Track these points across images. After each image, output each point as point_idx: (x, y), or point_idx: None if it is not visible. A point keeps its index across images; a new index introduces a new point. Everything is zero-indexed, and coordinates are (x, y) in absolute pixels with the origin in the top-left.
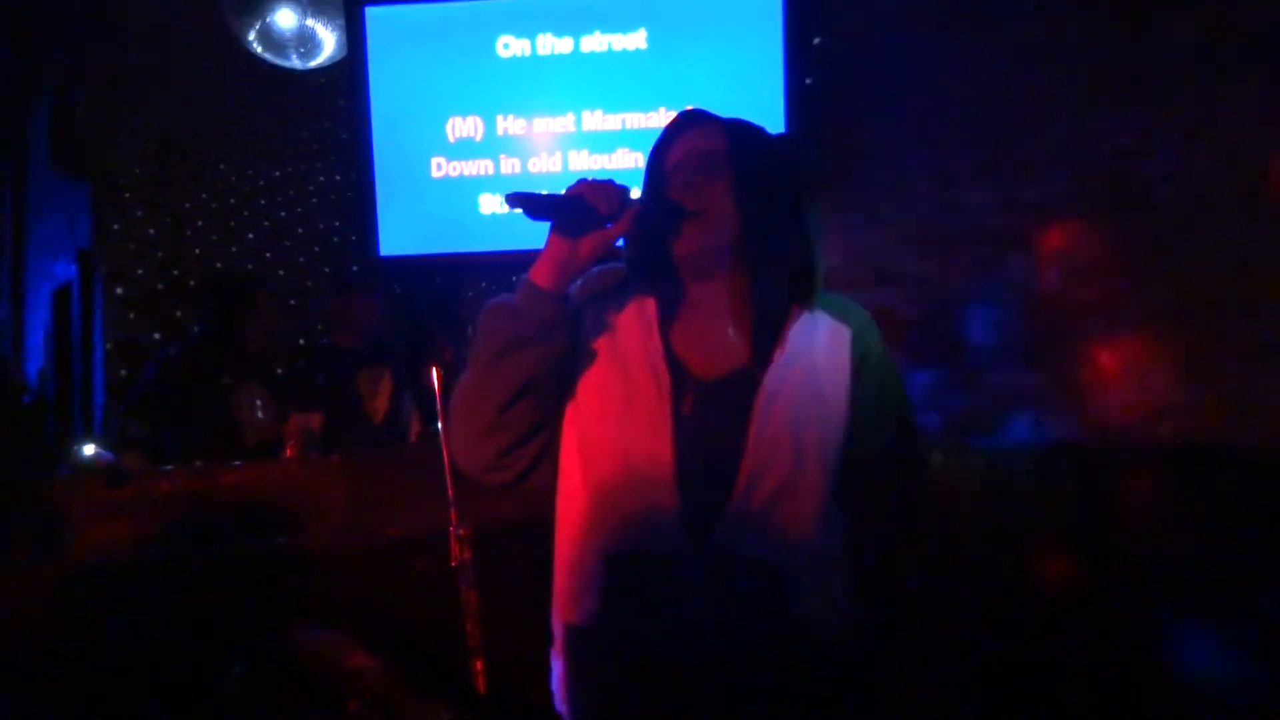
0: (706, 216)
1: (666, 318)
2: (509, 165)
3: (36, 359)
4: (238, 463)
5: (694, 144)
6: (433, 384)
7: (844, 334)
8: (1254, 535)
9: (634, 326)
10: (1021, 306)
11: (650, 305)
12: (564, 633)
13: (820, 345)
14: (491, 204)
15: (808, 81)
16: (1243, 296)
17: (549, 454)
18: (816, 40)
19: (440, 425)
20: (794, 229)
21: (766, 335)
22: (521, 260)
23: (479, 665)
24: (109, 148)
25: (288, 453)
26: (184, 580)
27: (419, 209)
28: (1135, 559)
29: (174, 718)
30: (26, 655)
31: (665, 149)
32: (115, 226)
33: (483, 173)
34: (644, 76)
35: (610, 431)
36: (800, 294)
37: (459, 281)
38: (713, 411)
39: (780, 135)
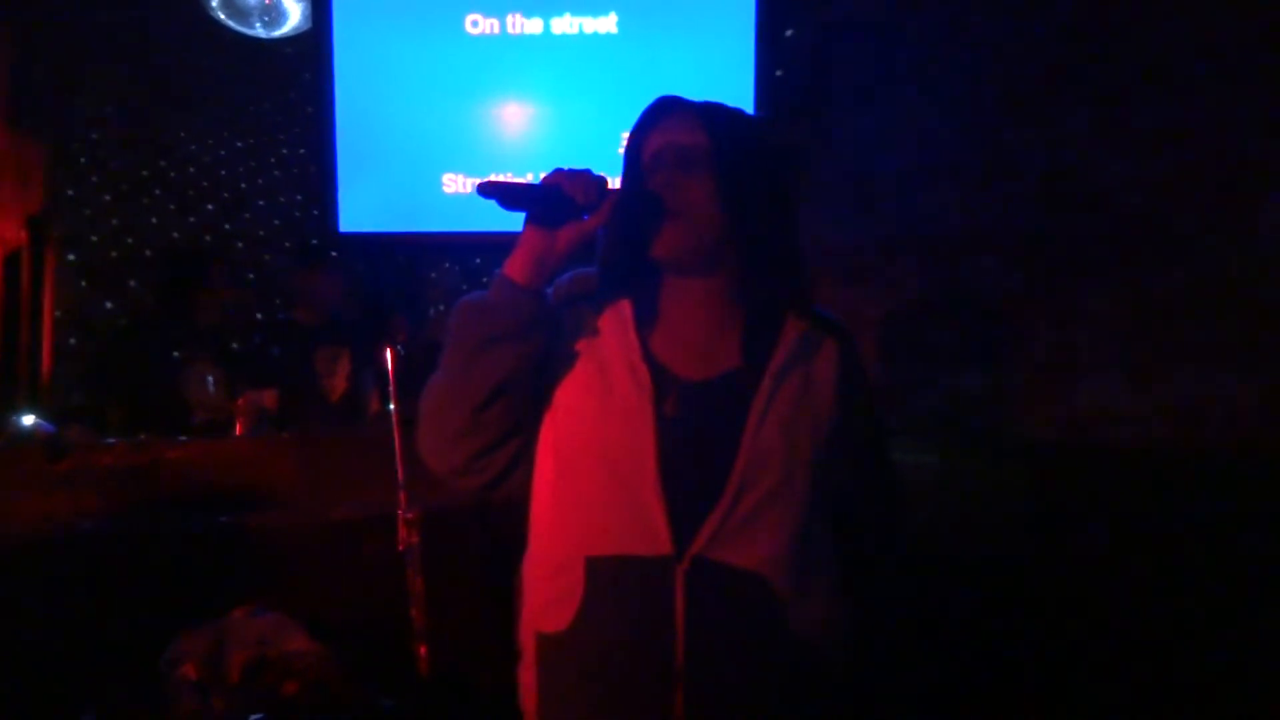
0: (687, 215)
1: (644, 318)
2: (479, 145)
3: None
4: (183, 438)
5: (672, 136)
6: (386, 364)
7: (832, 348)
8: (1208, 539)
9: (611, 328)
10: (982, 308)
11: (626, 306)
12: (536, 643)
13: (812, 358)
14: (454, 184)
15: (778, 74)
16: (1198, 302)
17: (524, 459)
18: (789, 32)
19: (393, 406)
20: (781, 225)
21: (761, 338)
22: (484, 241)
23: (423, 651)
24: (66, 110)
25: (238, 430)
26: (123, 557)
27: (381, 186)
28: (1089, 560)
29: (112, 697)
30: None
31: (642, 139)
32: (69, 192)
33: (447, 153)
34: (614, 61)
35: (589, 434)
36: (793, 297)
37: (421, 261)
38: (701, 413)
39: (763, 120)
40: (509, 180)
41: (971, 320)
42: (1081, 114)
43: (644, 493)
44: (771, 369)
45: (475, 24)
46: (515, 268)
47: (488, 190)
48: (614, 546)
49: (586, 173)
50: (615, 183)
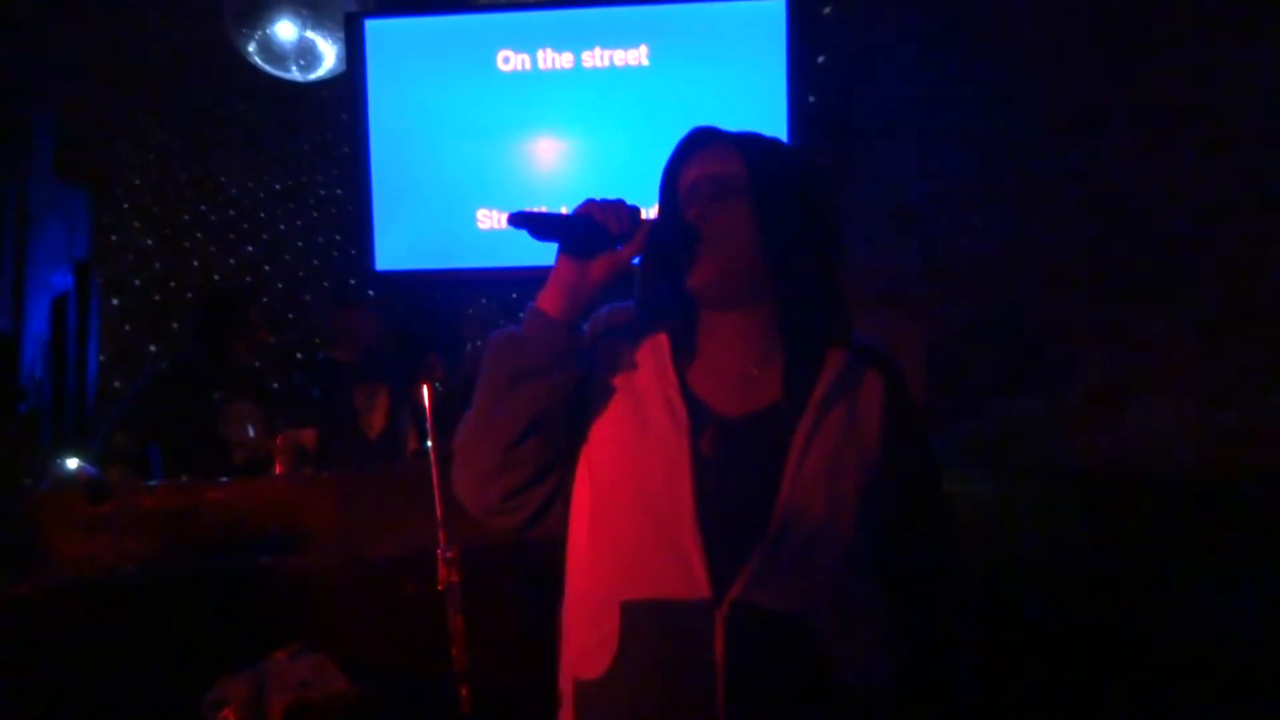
0: (723, 245)
1: (682, 352)
2: (513, 181)
3: (34, 369)
4: (224, 479)
5: (707, 166)
6: (423, 401)
7: (876, 377)
8: (1273, 569)
9: (648, 362)
10: (1028, 331)
11: (663, 340)
12: (574, 690)
13: (856, 390)
14: (489, 220)
15: (811, 100)
16: (1255, 320)
17: (560, 498)
18: (821, 59)
19: (430, 444)
20: (819, 254)
21: (803, 370)
22: (520, 276)
23: (464, 691)
24: (109, 157)
25: (277, 469)
26: (165, 598)
27: (416, 224)
28: (1146, 592)
29: None
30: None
31: (677, 171)
32: (113, 237)
33: (481, 188)
34: (646, 93)
35: (624, 471)
36: (833, 328)
37: (457, 297)
38: (739, 451)
39: (799, 148)
40: (540, 211)
41: (1017, 344)
42: (1126, 130)
43: (680, 534)
44: (813, 402)
45: (507, 60)
46: (548, 300)
47: (519, 221)
48: (650, 590)
49: (619, 202)
50: (651, 213)
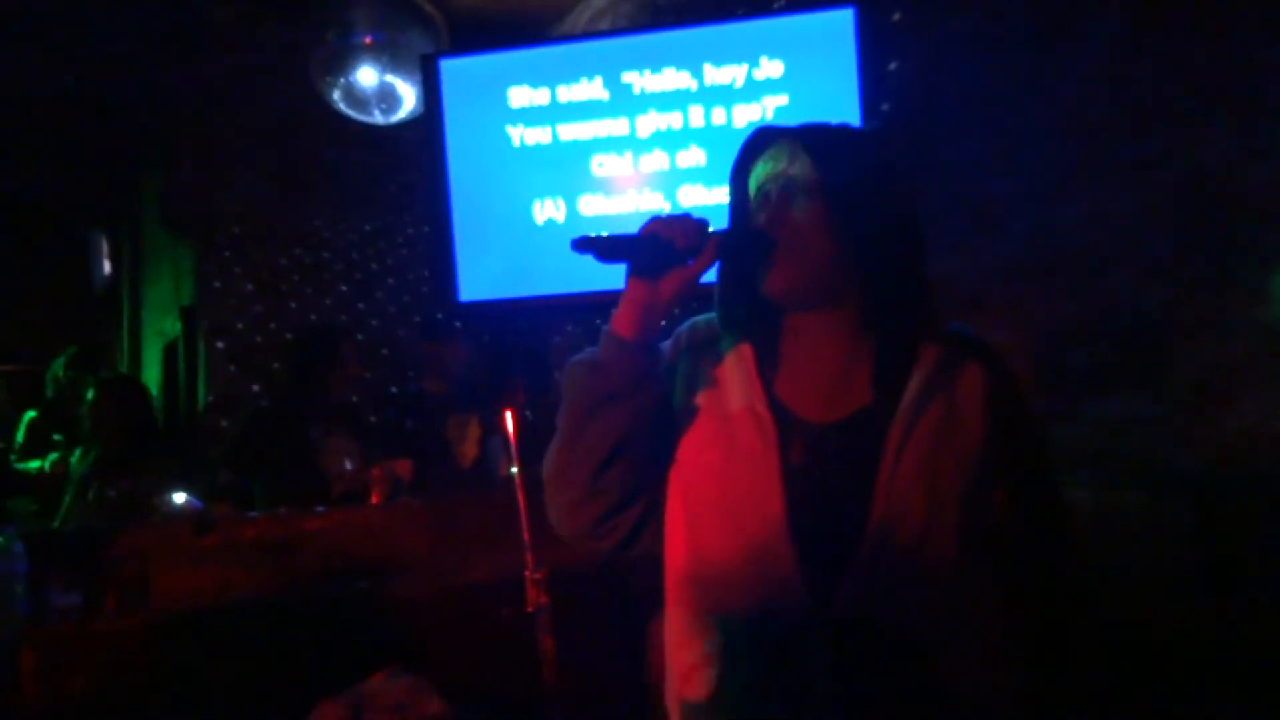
0: (797, 248)
1: (766, 361)
2: (589, 206)
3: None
4: (321, 509)
5: (774, 167)
6: (507, 427)
7: (976, 370)
8: None
9: (732, 375)
10: (1121, 328)
11: (747, 350)
12: (680, 712)
13: (953, 385)
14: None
15: (884, 108)
16: None
17: (653, 519)
18: (892, 65)
19: (515, 469)
20: (900, 245)
21: (890, 371)
22: (602, 301)
23: (557, 714)
24: (211, 208)
25: (373, 500)
26: (266, 626)
27: (497, 254)
28: (1263, 602)
29: None
30: (114, 703)
31: (743, 174)
32: (216, 284)
33: (561, 218)
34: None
35: (714, 489)
36: (921, 323)
37: (544, 326)
38: (830, 460)
39: (872, 132)
40: (604, 235)
41: (1111, 342)
42: (1216, 117)
43: (775, 548)
44: (905, 402)
45: (572, 90)
46: (621, 323)
47: (583, 246)
48: (748, 607)
49: (685, 217)
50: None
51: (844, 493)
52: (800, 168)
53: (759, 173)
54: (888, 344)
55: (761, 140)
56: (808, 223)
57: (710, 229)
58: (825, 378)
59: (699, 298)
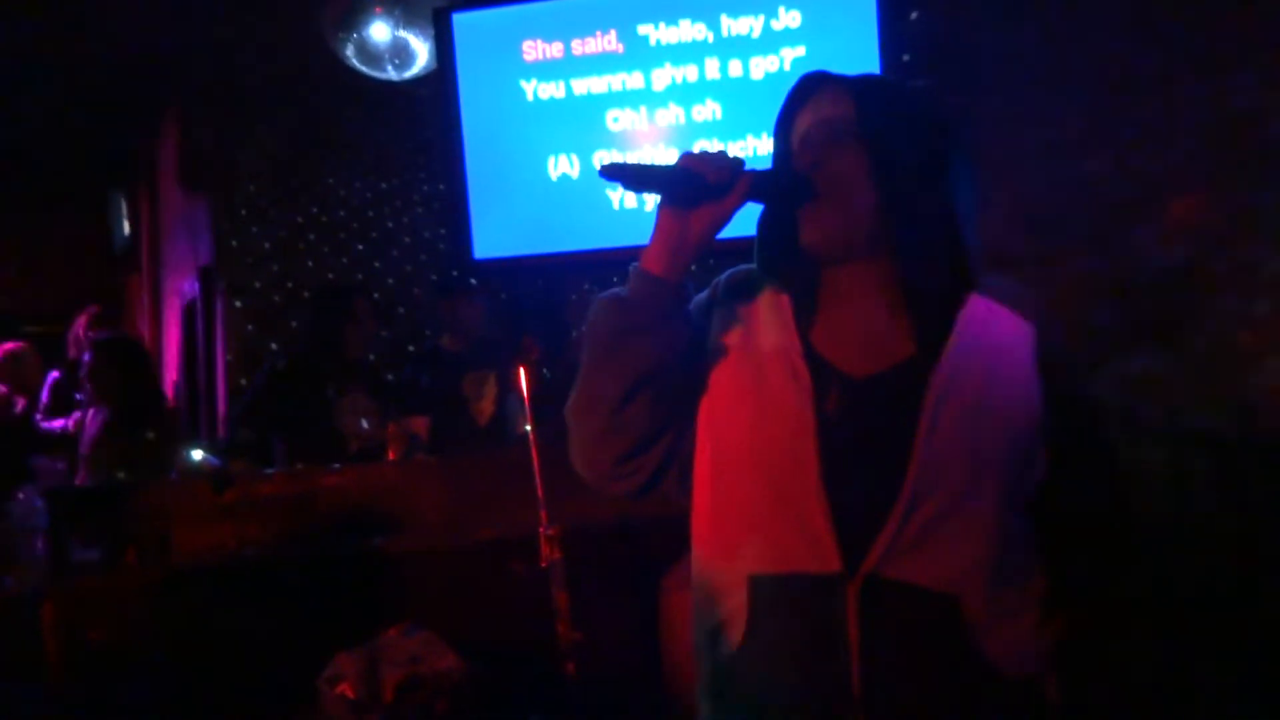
0: (837, 195)
1: (804, 311)
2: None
3: (171, 371)
4: (337, 466)
5: (820, 112)
6: (520, 384)
7: (1024, 328)
8: None
9: (769, 323)
10: (1147, 284)
11: (784, 300)
12: (707, 662)
13: (998, 338)
14: (588, 202)
15: (905, 58)
16: None
17: (675, 463)
18: (913, 15)
19: (530, 427)
20: (942, 198)
21: (932, 324)
22: (617, 258)
23: (570, 667)
24: (226, 168)
25: (390, 456)
26: (284, 580)
27: (513, 211)
28: None
29: (274, 714)
30: (133, 656)
31: (789, 120)
32: (233, 243)
33: (576, 174)
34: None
35: (745, 437)
36: (962, 276)
37: (561, 283)
38: (867, 413)
39: (921, 87)
40: (634, 163)
41: (1137, 297)
42: (1244, 67)
43: (806, 503)
44: (946, 355)
45: (585, 44)
46: (650, 257)
47: (612, 172)
48: (777, 563)
49: (720, 153)
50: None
51: (880, 448)
52: (845, 113)
53: (805, 117)
54: (928, 296)
55: (809, 85)
56: (848, 171)
57: (744, 167)
58: (864, 330)
59: (733, 253)
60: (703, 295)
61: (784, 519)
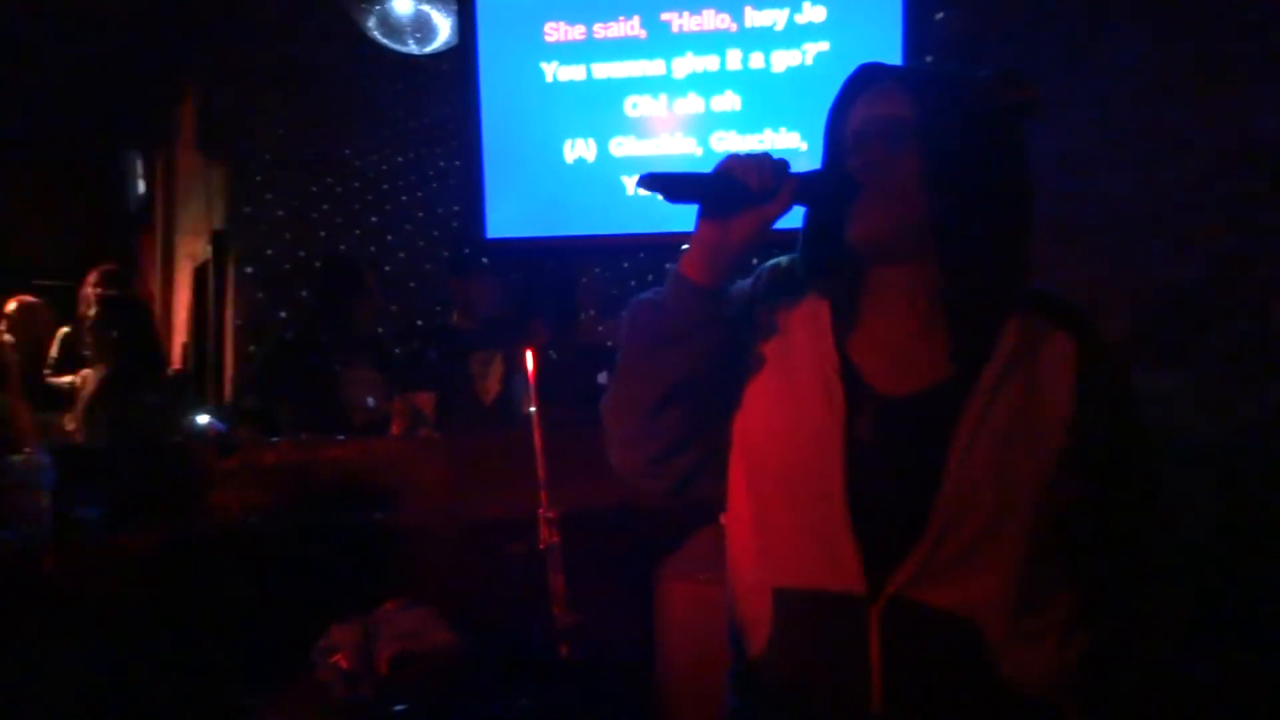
0: (886, 194)
1: (843, 320)
2: (620, 147)
3: (181, 333)
4: (341, 438)
5: (876, 109)
6: (527, 366)
7: (1067, 346)
8: None
9: (807, 333)
10: (1160, 298)
11: (823, 309)
12: (733, 662)
13: (1038, 358)
14: (602, 187)
15: (928, 59)
16: None
17: (709, 466)
18: (939, 15)
19: (534, 409)
20: (998, 210)
21: (971, 344)
22: (629, 243)
23: (564, 649)
24: (243, 134)
25: (394, 430)
26: (283, 548)
27: (528, 192)
28: None
29: (269, 683)
30: (131, 617)
31: (843, 115)
32: (247, 209)
33: (592, 158)
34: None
35: (775, 451)
36: (1009, 291)
37: (571, 266)
38: (898, 436)
39: (987, 79)
40: (673, 173)
41: (1146, 311)
42: (1264, 81)
43: (832, 524)
44: (985, 379)
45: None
46: (690, 264)
47: (651, 183)
48: (802, 579)
49: (764, 156)
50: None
51: (910, 472)
52: (901, 110)
53: (859, 113)
54: (969, 312)
55: (865, 78)
56: (901, 169)
57: (789, 170)
58: (901, 344)
59: (777, 244)
60: (745, 284)
61: (809, 537)
